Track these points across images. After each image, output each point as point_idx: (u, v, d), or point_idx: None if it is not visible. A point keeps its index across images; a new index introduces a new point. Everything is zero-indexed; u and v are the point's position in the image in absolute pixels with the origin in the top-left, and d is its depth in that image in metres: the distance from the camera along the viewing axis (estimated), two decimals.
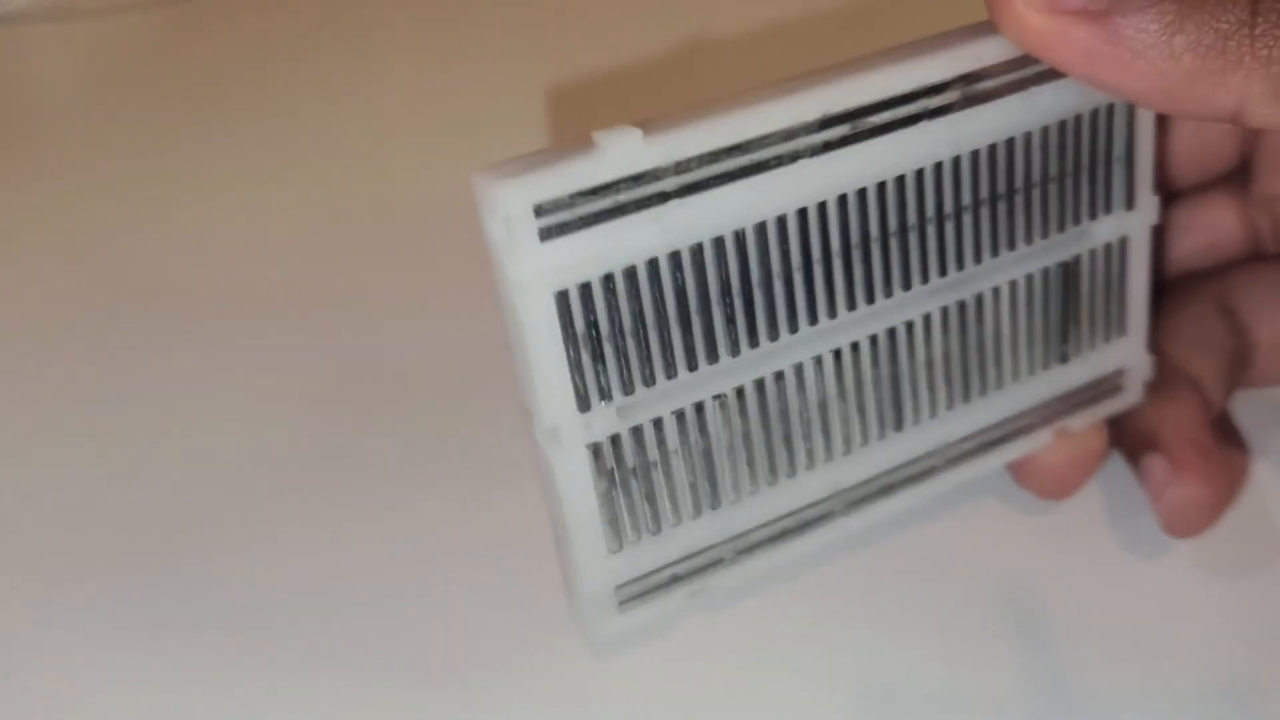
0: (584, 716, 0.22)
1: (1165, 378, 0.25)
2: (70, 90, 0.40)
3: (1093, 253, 0.23)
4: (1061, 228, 0.23)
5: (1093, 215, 0.23)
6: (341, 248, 0.34)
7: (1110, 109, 0.22)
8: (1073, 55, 0.19)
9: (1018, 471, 0.25)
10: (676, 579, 0.22)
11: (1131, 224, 0.23)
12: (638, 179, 0.19)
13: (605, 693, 0.22)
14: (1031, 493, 0.25)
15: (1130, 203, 0.23)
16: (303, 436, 0.28)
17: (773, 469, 0.22)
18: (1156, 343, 0.25)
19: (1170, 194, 0.27)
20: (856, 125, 0.20)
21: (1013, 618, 0.23)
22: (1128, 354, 0.25)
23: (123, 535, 0.26)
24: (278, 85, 0.39)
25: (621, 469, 0.20)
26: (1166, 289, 0.26)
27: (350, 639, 0.24)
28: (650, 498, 0.21)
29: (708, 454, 0.21)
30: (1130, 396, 0.25)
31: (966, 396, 0.23)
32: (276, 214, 0.35)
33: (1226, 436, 0.26)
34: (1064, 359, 0.24)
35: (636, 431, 0.20)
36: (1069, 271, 0.23)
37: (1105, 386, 0.25)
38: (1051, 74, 0.21)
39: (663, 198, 0.19)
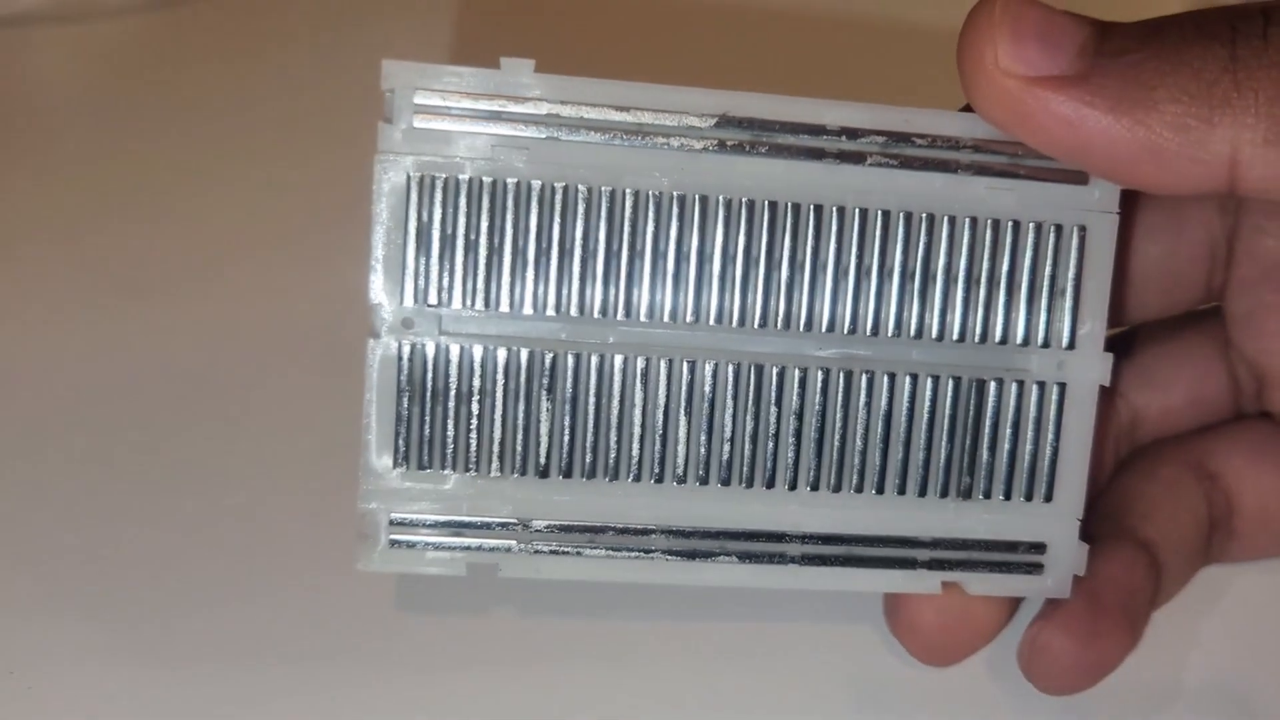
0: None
1: (1108, 534, 0.22)
2: (74, 93, 0.40)
3: (1020, 386, 0.22)
4: (983, 339, 0.21)
5: (1024, 341, 0.21)
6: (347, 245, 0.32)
7: (1058, 229, 0.21)
8: (1053, 124, 0.19)
9: (889, 614, 0.22)
10: (458, 538, 0.21)
11: (1073, 371, 0.22)
12: (521, 100, 0.20)
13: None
14: (903, 647, 0.22)
15: (1071, 342, 0.22)
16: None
17: (593, 462, 0.21)
18: (1113, 507, 0.23)
19: (1132, 332, 0.25)
20: (757, 136, 0.20)
21: None
22: (1051, 529, 0.22)
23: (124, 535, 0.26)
24: (280, 87, 0.39)
25: (434, 384, 0.21)
26: (1140, 452, 0.24)
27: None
28: (454, 430, 0.21)
29: (528, 412, 0.21)
30: (1050, 585, 0.22)
31: (837, 484, 0.22)
32: (277, 214, 0.35)
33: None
34: (966, 495, 0.22)
35: (459, 353, 0.21)
36: (983, 393, 0.22)
37: (1019, 559, 0.22)
38: (987, 167, 0.21)
39: (539, 126, 0.20)
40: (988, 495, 0.22)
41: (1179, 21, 0.19)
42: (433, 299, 0.20)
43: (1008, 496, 0.22)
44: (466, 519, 0.21)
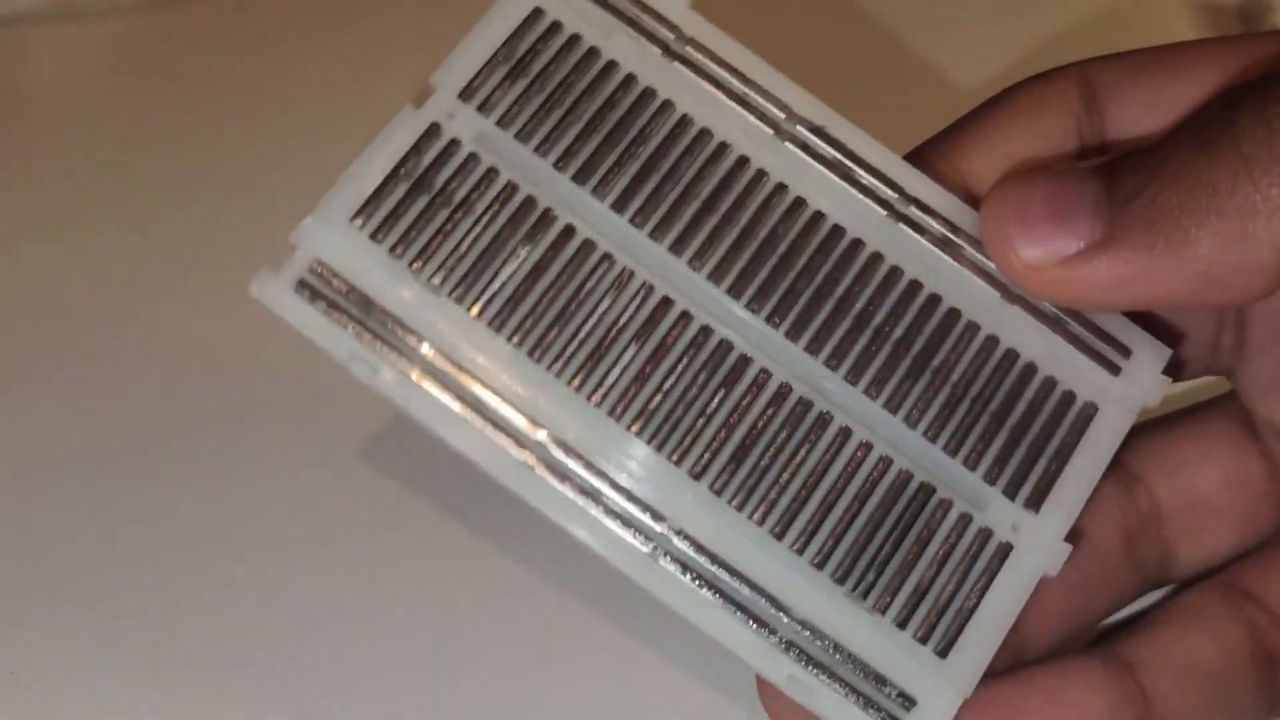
0: None
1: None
2: (73, 93, 0.39)
3: (965, 521, 0.20)
4: (953, 452, 0.20)
5: (990, 479, 0.20)
6: None
7: (1070, 396, 0.20)
8: (1100, 295, 0.19)
9: (763, 692, 0.19)
10: (362, 319, 0.19)
11: (1024, 540, 0.20)
12: (659, 18, 0.21)
13: None
14: None
15: (1036, 508, 0.20)
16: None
17: (564, 364, 0.19)
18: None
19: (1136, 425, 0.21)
20: (839, 160, 0.21)
21: None
22: (930, 690, 0.19)
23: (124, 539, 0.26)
24: (281, 86, 0.38)
25: (434, 170, 0.20)
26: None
27: None
28: (435, 224, 0.20)
29: (532, 266, 0.20)
30: None
31: (742, 503, 0.19)
32: (278, 213, 0.34)
33: None
34: (863, 594, 0.19)
35: (479, 167, 0.20)
36: (926, 504, 0.19)
37: (881, 698, 0.19)
38: (1035, 305, 0.20)
39: (663, 44, 0.21)
40: (883, 611, 0.19)
41: (1178, 137, 0.19)
42: (480, 100, 0.20)
43: (902, 626, 0.19)
44: (390, 309, 0.19)
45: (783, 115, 0.21)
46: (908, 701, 0.19)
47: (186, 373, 0.29)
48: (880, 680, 0.19)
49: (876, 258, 0.20)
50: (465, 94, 0.20)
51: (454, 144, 0.20)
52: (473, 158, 0.20)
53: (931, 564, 0.19)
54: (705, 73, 0.21)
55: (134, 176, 0.35)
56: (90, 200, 0.35)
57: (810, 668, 0.19)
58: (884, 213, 0.21)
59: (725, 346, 0.20)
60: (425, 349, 0.19)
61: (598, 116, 0.21)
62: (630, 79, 0.21)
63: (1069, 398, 0.20)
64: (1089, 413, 0.20)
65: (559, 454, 0.19)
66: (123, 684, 0.23)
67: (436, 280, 0.20)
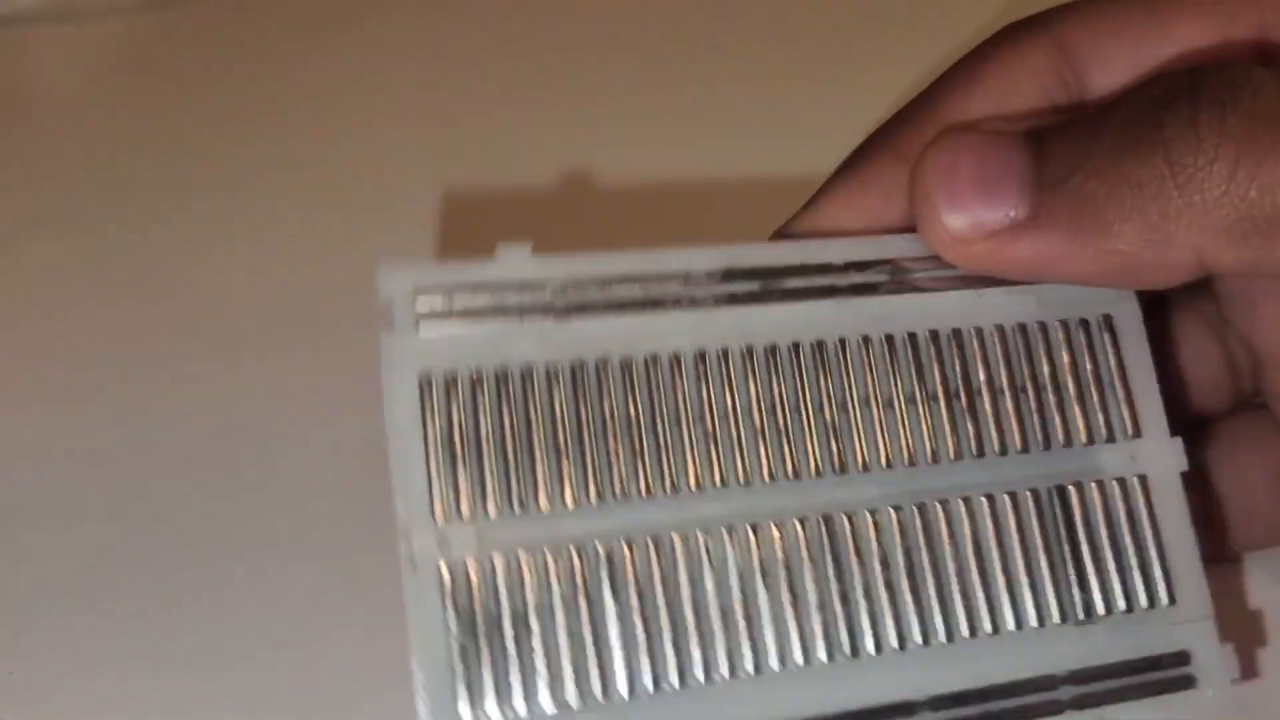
0: None
1: None
2: (73, 93, 0.39)
3: (1100, 486, 0.20)
4: (1046, 446, 0.20)
5: (1089, 440, 0.20)
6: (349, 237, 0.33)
7: (1084, 323, 0.21)
8: (1018, 269, 0.19)
9: None
10: None
11: (1147, 461, 0.20)
12: (523, 286, 0.19)
13: None
14: None
15: (1136, 430, 0.20)
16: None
17: (681, 663, 0.18)
18: None
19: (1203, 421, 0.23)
20: (766, 285, 0.20)
21: None
22: (1187, 634, 0.20)
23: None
24: (280, 86, 0.39)
25: (484, 607, 0.18)
26: None
27: None
28: (519, 657, 0.18)
29: (594, 619, 0.18)
30: (1210, 698, 0.19)
31: (949, 634, 0.19)
32: (278, 212, 0.34)
33: None
34: (1087, 615, 0.19)
35: (505, 565, 0.18)
36: (1066, 500, 0.20)
37: (1166, 675, 0.19)
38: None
39: (547, 311, 0.19)
40: (1109, 610, 0.20)
41: (1109, 121, 0.19)
42: (465, 512, 0.18)
43: (1129, 608, 0.20)
44: None
45: (683, 288, 0.20)
46: (1182, 659, 0.20)
47: (184, 369, 0.30)
48: (1153, 663, 0.20)
49: (844, 344, 0.20)
50: (438, 515, 0.18)
51: (472, 564, 0.18)
52: (497, 558, 0.18)
53: (1107, 541, 0.20)
54: (596, 307, 0.19)
55: (134, 176, 0.36)
56: (90, 200, 0.35)
57: (1104, 703, 0.19)
58: (830, 300, 0.20)
59: (823, 523, 0.19)
60: None
61: (558, 425, 0.19)
62: (551, 368, 0.19)
63: (1084, 325, 0.21)
64: (1108, 322, 0.21)
65: None
66: (123, 684, 0.23)
67: (572, 697, 0.18)
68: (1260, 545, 0.23)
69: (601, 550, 0.19)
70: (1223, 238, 0.18)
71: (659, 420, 0.19)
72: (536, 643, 0.18)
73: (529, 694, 0.18)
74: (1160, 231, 0.18)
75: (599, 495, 0.19)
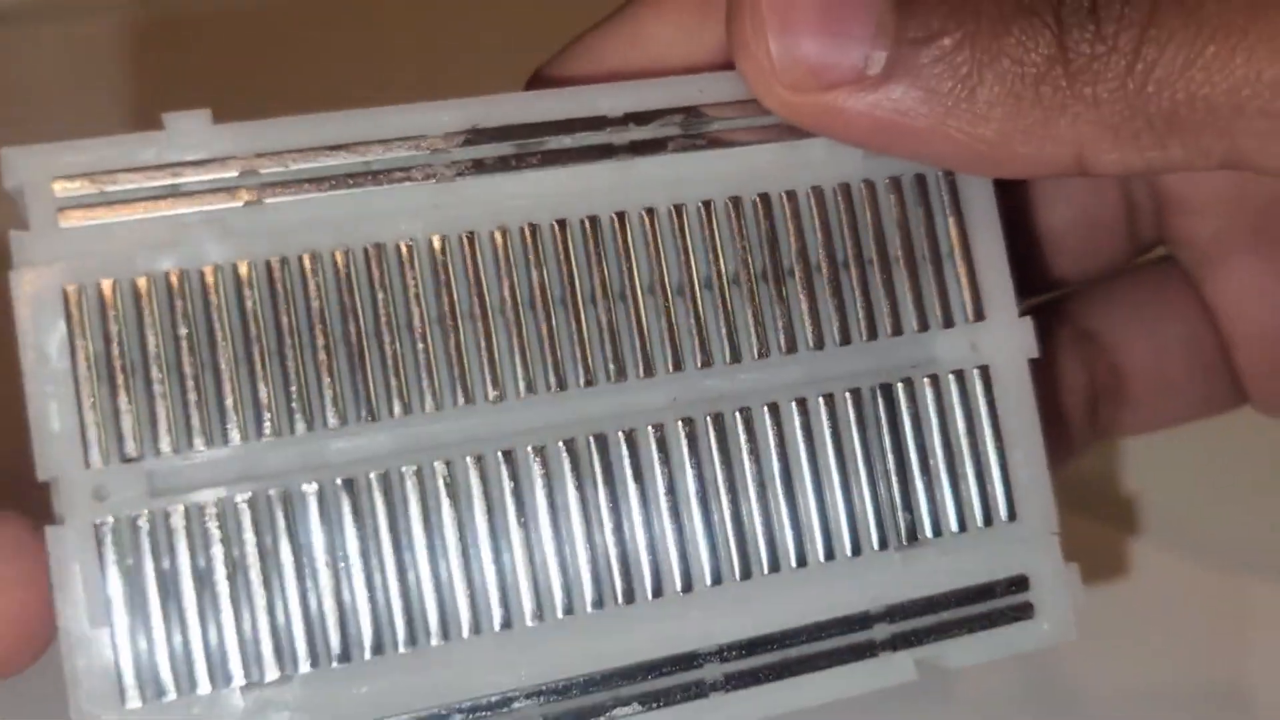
0: None
1: None
2: (72, 93, 0.38)
3: (934, 381, 0.17)
4: (872, 335, 0.17)
5: (922, 326, 0.17)
6: None
7: (920, 180, 0.17)
8: (852, 131, 0.16)
9: None
10: None
11: (991, 349, 0.17)
12: (201, 164, 0.15)
13: None
14: None
15: (979, 312, 0.17)
16: None
17: (411, 623, 0.15)
18: None
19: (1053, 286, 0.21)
20: (522, 146, 0.16)
21: None
22: (1027, 554, 0.17)
23: None
24: (282, 88, 0.37)
25: (158, 568, 0.15)
26: None
27: None
28: (200, 628, 0.14)
29: (301, 574, 0.15)
30: (1047, 631, 0.17)
31: (745, 570, 0.16)
32: None
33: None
34: (910, 538, 0.17)
35: (185, 515, 0.15)
36: (892, 400, 0.17)
37: (1000, 604, 0.17)
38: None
39: (234, 194, 0.15)
40: (937, 533, 0.17)
41: None
42: (131, 450, 0.15)
43: (962, 528, 0.17)
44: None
45: (427, 150, 0.15)
46: (1019, 584, 0.17)
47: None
48: (985, 592, 0.17)
49: (623, 217, 0.16)
50: (93, 457, 0.14)
51: (142, 516, 0.14)
52: (174, 508, 0.15)
53: (940, 451, 0.17)
54: (298, 185, 0.15)
55: None
56: None
57: (926, 641, 0.16)
58: (606, 161, 0.16)
59: (595, 443, 0.16)
60: None
61: (251, 340, 0.15)
62: (241, 267, 0.15)
63: (920, 182, 0.17)
64: (949, 180, 0.17)
65: (551, 706, 0.15)
66: None
67: (270, 668, 0.15)
68: (1172, 423, 0.21)
69: (309, 491, 0.15)
70: (1109, 135, 0.15)
71: (386, 326, 0.15)
72: (224, 606, 0.15)
73: (215, 676, 0.15)
74: (1042, 125, 0.15)
75: (307, 424, 0.15)
